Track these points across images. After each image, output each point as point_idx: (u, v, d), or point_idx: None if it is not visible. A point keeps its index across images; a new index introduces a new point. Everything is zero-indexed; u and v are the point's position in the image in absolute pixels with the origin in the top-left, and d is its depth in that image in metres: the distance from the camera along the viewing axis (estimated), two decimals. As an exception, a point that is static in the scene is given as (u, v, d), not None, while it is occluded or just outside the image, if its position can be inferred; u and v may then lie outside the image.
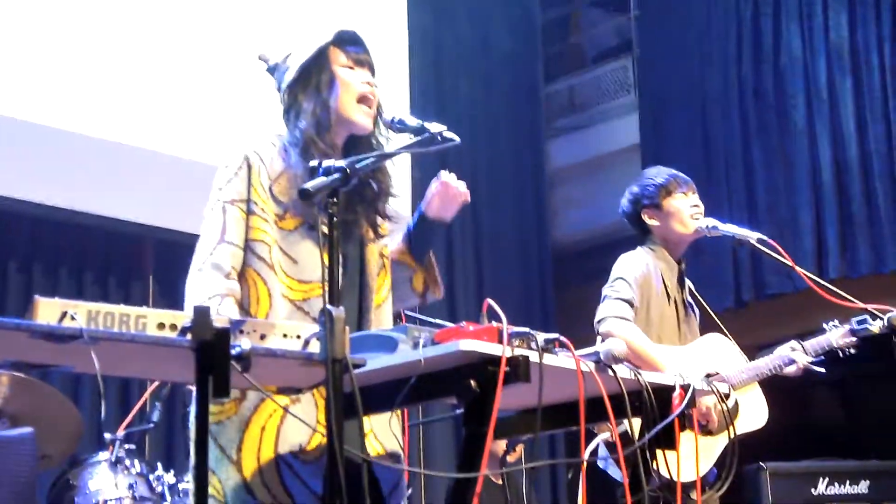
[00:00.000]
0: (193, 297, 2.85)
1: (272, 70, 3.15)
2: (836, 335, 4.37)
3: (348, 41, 3.11)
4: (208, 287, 2.86)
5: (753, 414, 4.19)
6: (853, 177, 7.54)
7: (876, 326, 4.38)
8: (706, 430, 4.00)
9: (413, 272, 3.19)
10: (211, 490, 2.79)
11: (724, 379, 4.13)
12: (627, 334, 3.96)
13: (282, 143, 3.07)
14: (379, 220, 3.12)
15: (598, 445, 4.06)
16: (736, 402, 4.15)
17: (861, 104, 7.57)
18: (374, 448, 2.94)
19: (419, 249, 3.20)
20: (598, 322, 4.13)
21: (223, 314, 2.71)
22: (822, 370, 4.36)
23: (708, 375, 4.08)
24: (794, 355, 4.28)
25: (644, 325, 4.17)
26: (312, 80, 3.06)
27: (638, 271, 4.22)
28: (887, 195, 7.36)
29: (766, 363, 4.28)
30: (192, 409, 2.32)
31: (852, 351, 4.41)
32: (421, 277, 3.17)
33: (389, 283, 3.15)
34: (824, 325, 4.43)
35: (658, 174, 4.43)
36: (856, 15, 7.68)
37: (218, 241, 2.92)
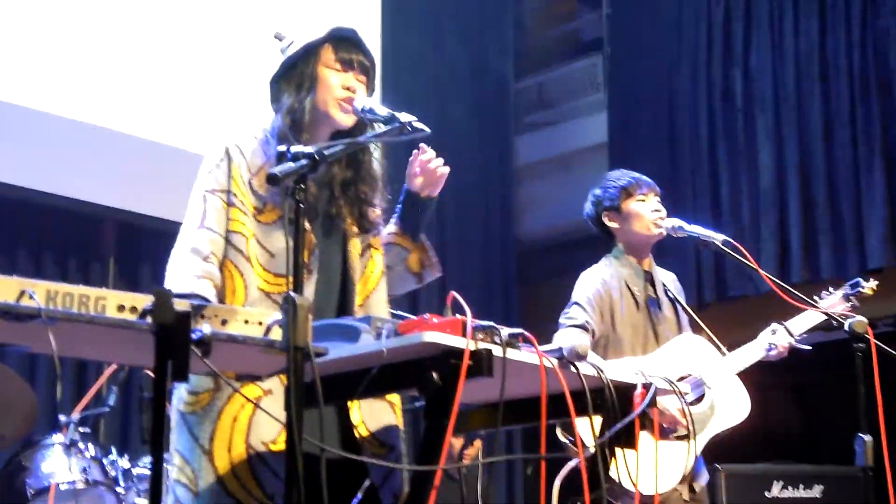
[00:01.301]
0: (171, 280, 2.87)
1: (283, 51, 3.14)
2: (829, 304, 4.37)
3: (342, 40, 3.09)
4: (186, 270, 2.87)
5: (734, 408, 4.19)
6: (818, 182, 7.57)
7: (869, 287, 4.42)
8: (681, 436, 3.98)
9: (408, 253, 3.18)
10: (185, 479, 2.83)
11: (697, 381, 4.13)
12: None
13: (265, 135, 3.07)
14: (366, 210, 3.11)
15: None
16: (712, 402, 4.15)
17: (828, 109, 7.59)
18: (362, 437, 2.96)
19: (411, 229, 3.21)
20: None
21: (198, 293, 2.72)
22: (809, 347, 4.36)
23: (681, 378, 4.09)
24: (774, 339, 4.28)
25: (613, 340, 4.17)
26: (296, 76, 3.07)
27: (592, 291, 4.21)
28: (851, 201, 7.39)
29: (748, 354, 4.27)
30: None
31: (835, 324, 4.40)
32: (416, 257, 3.17)
33: (379, 273, 3.14)
34: (816, 298, 4.43)
35: (620, 177, 4.43)
36: (826, 21, 7.70)
37: (197, 226, 2.94)
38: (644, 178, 4.43)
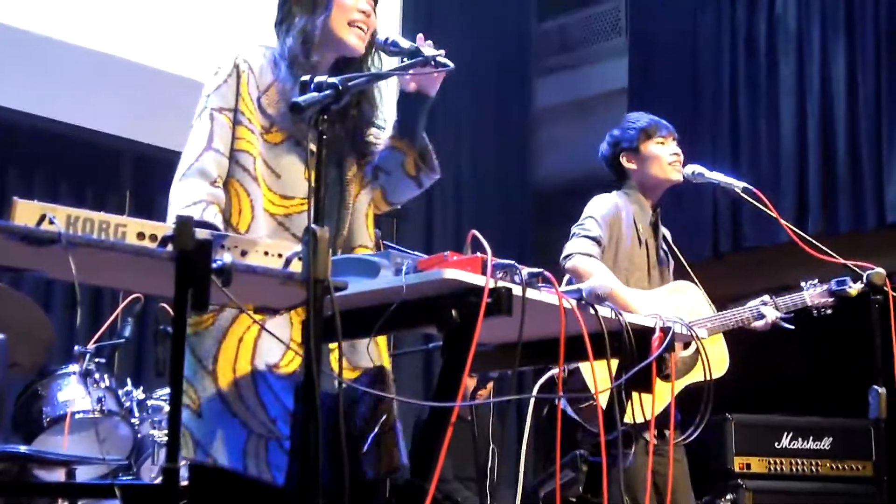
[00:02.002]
0: (177, 202, 2.82)
1: None
2: (813, 293, 4.37)
3: None
4: (192, 193, 2.83)
5: (714, 363, 4.18)
6: (839, 135, 7.50)
7: (854, 289, 4.39)
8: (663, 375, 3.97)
9: (404, 156, 3.07)
10: (187, 400, 2.79)
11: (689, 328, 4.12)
12: (593, 270, 3.95)
13: (273, 54, 3.02)
14: (364, 131, 3.08)
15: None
16: (696, 351, 4.14)
17: (853, 61, 7.51)
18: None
19: (408, 130, 3.07)
20: (565, 258, 4.13)
21: (206, 220, 2.70)
22: (792, 327, 4.36)
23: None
24: (763, 310, 4.28)
25: (612, 264, 4.16)
26: None
27: (607, 211, 4.21)
28: (871, 155, 7.33)
29: (734, 315, 4.27)
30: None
31: (828, 311, 4.41)
32: (411, 160, 3.07)
33: (366, 195, 3.10)
34: (802, 284, 4.43)
35: (639, 119, 4.41)
36: (854, -31, 7.61)
37: (204, 147, 2.89)
38: (663, 121, 4.41)
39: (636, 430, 3.15)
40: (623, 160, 4.35)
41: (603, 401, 3.12)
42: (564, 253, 4.13)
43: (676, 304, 4.16)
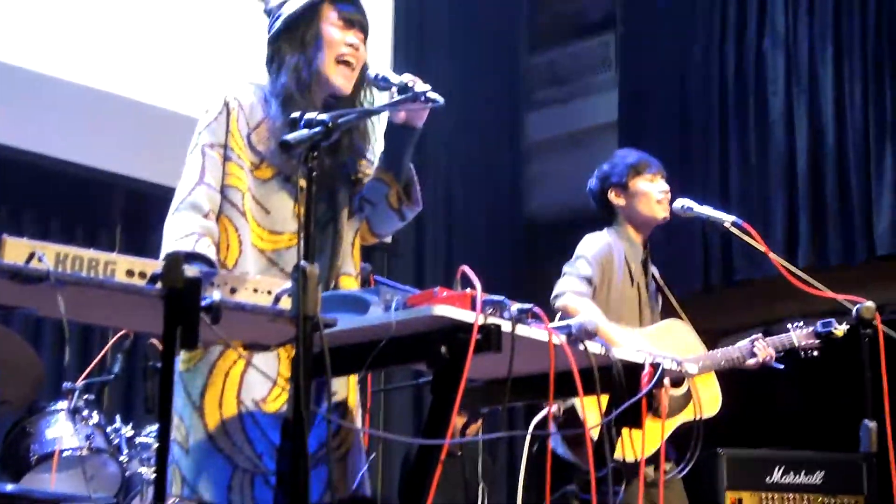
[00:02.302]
0: (170, 235, 2.85)
1: (268, 13, 3.11)
2: (800, 335, 4.38)
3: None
4: (185, 226, 2.85)
5: (706, 402, 4.18)
6: (828, 167, 7.52)
7: (840, 330, 4.41)
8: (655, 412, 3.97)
9: (388, 188, 3.07)
10: (178, 437, 2.82)
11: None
12: (582, 309, 3.96)
13: (263, 92, 3.04)
14: (357, 164, 3.10)
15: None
16: (689, 389, 4.14)
17: (841, 93, 7.55)
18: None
19: (393, 162, 3.07)
20: (555, 297, 4.13)
21: (199, 251, 2.71)
22: (781, 366, 4.36)
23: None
24: (756, 349, 4.28)
25: (604, 304, 4.16)
26: (299, 33, 3.03)
27: (599, 250, 4.21)
28: (861, 186, 7.35)
29: (726, 355, 4.27)
30: None
31: (814, 353, 4.43)
32: (395, 192, 3.06)
33: (353, 225, 3.10)
34: (788, 326, 4.45)
35: (629, 154, 4.43)
36: (841, 3, 7.65)
37: (196, 182, 2.92)
38: (653, 158, 4.42)
39: (627, 469, 3.14)
40: (611, 196, 4.35)
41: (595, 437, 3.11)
42: (555, 292, 4.14)
43: (667, 343, 4.15)
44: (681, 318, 4.35)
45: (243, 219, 2.92)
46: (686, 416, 4.10)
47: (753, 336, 4.37)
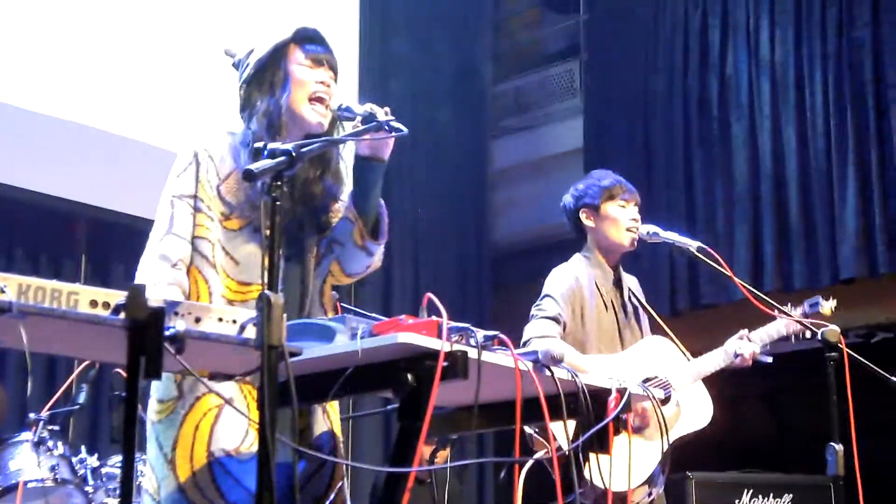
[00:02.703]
0: None
1: (237, 66, 3.11)
2: (787, 322, 4.37)
3: (308, 39, 3.07)
4: (154, 276, 2.86)
5: (697, 413, 4.19)
6: (792, 192, 7.59)
7: (828, 308, 4.43)
8: (641, 433, 3.98)
9: (353, 226, 3.06)
10: (150, 487, 2.82)
11: (663, 383, 4.13)
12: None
13: (234, 141, 3.04)
14: (328, 204, 3.09)
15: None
16: (677, 405, 4.15)
17: (803, 120, 7.62)
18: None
19: (359, 198, 3.07)
20: (523, 344, 4.11)
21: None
22: (770, 359, 4.37)
23: (647, 380, 4.09)
24: (741, 347, 4.28)
25: (580, 337, 4.15)
26: (267, 78, 3.04)
27: (565, 286, 4.19)
28: (824, 211, 7.42)
29: (712, 359, 4.27)
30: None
31: (807, 335, 4.42)
32: (359, 230, 3.05)
33: (321, 271, 3.09)
34: (776, 313, 4.44)
35: (605, 176, 4.41)
36: (801, 31, 7.74)
37: (165, 232, 2.93)
38: (629, 184, 4.41)
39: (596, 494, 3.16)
40: (582, 216, 4.35)
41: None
42: (524, 338, 4.12)
43: (648, 362, 4.15)
44: (663, 331, 4.35)
45: (213, 270, 2.92)
46: (679, 431, 4.11)
47: (739, 333, 4.37)
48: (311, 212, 3.05)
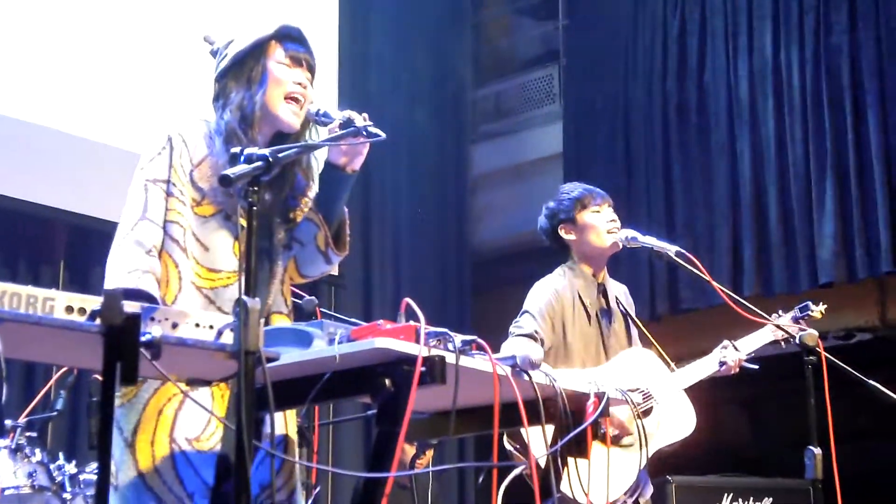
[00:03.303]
0: (113, 272, 2.83)
1: (214, 53, 3.11)
2: (774, 329, 4.39)
3: (289, 38, 3.07)
4: (128, 262, 2.83)
5: (679, 423, 4.20)
6: (771, 197, 7.62)
7: (818, 311, 4.46)
8: (620, 443, 3.98)
9: (318, 229, 3.05)
10: None
11: (645, 394, 4.14)
12: None
13: (208, 128, 3.03)
14: (297, 200, 3.08)
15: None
16: (659, 417, 4.15)
17: (782, 125, 7.65)
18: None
19: (326, 204, 3.07)
20: None
21: (142, 287, 2.68)
22: (756, 367, 4.39)
23: (629, 392, 4.09)
24: (726, 356, 4.30)
25: (563, 351, 4.16)
26: (245, 71, 3.03)
27: (544, 303, 4.19)
28: (803, 216, 7.45)
29: (698, 370, 4.28)
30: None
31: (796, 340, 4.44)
32: (323, 235, 3.05)
33: (284, 262, 3.09)
34: (766, 319, 4.46)
35: (573, 189, 4.43)
36: (779, 36, 7.77)
37: (139, 217, 2.90)
38: (597, 189, 4.43)
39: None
40: (562, 232, 4.36)
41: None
42: (506, 354, 4.11)
43: (631, 374, 4.15)
44: (647, 339, 4.36)
45: (184, 255, 2.90)
46: (661, 441, 4.12)
47: (723, 343, 4.38)
48: (280, 203, 3.05)
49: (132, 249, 2.85)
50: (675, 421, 4.18)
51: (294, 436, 3.04)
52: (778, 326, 4.23)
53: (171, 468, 2.77)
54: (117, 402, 2.80)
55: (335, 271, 3.20)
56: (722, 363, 4.30)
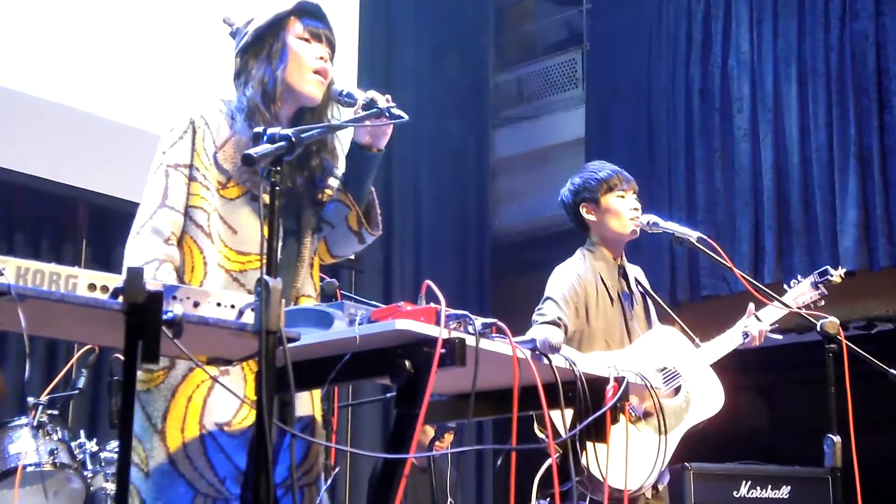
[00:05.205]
0: (131, 260, 2.82)
1: (234, 34, 3.11)
2: (797, 295, 4.37)
3: (308, 13, 3.07)
4: (146, 251, 2.83)
5: (709, 400, 4.18)
6: (793, 183, 7.59)
7: (837, 275, 4.44)
8: (649, 423, 3.96)
9: (348, 210, 3.07)
10: (136, 458, 2.77)
11: (673, 373, 4.13)
12: None
13: (229, 108, 3.02)
14: (325, 181, 3.08)
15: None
16: (687, 394, 4.14)
17: (805, 111, 7.62)
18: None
19: (354, 184, 3.08)
20: None
21: (160, 279, 2.67)
22: (781, 337, 4.37)
23: (656, 371, 4.09)
24: (748, 325, 4.28)
25: (588, 335, 4.14)
26: (265, 47, 3.03)
27: (566, 288, 4.17)
28: (825, 203, 7.42)
29: (723, 344, 4.26)
30: None
31: (821, 304, 4.42)
32: (355, 214, 3.06)
33: (313, 245, 3.10)
34: (785, 286, 4.45)
35: (601, 168, 4.39)
36: (804, 23, 7.73)
37: (159, 205, 2.89)
38: (625, 172, 4.39)
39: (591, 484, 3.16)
40: (583, 210, 4.33)
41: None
42: (526, 338, 4.09)
43: (657, 353, 4.14)
44: (671, 319, 4.34)
45: (208, 240, 2.89)
46: (692, 419, 4.11)
47: (746, 313, 4.36)
48: (309, 185, 3.05)
49: (149, 238, 2.85)
50: (705, 398, 4.17)
51: (320, 418, 3.05)
52: (801, 314, 4.19)
53: (203, 454, 2.77)
54: (142, 386, 2.82)
55: (352, 256, 3.21)
56: (746, 334, 4.27)
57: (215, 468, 2.78)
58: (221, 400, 2.79)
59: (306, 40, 3.03)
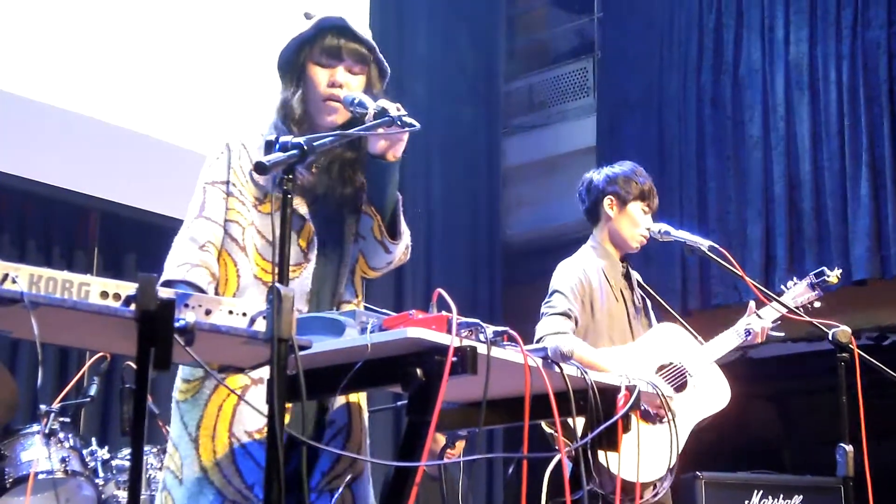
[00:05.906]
0: (167, 267, 2.90)
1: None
2: (795, 294, 4.38)
3: (331, 31, 3.07)
4: (181, 257, 2.90)
5: (714, 395, 4.20)
6: (805, 192, 7.58)
7: (834, 276, 4.45)
8: (662, 422, 3.96)
9: (373, 221, 3.07)
10: (172, 465, 2.86)
11: (679, 369, 4.14)
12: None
13: (270, 128, 3.08)
14: (364, 188, 3.10)
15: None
16: (694, 390, 4.15)
17: (817, 120, 7.61)
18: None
19: (376, 195, 3.08)
20: (537, 341, 4.11)
21: (189, 279, 2.76)
22: (782, 334, 4.38)
23: (662, 367, 4.10)
24: (751, 325, 4.28)
25: (593, 330, 4.15)
26: (289, 71, 3.09)
27: (573, 280, 4.19)
28: (837, 212, 7.41)
29: (727, 340, 4.27)
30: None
31: (816, 305, 4.43)
32: (377, 225, 3.07)
33: (355, 251, 3.12)
34: (783, 286, 4.45)
35: (643, 177, 4.42)
36: (816, 31, 7.72)
37: (196, 216, 2.98)
38: (655, 192, 4.43)
39: (605, 492, 3.15)
40: (606, 202, 4.35)
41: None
42: (536, 336, 4.12)
43: (663, 349, 4.16)
44: (673, 319, 4.36)
45: (242, 253, 2.95)
46: (699, 414, 4.11)
47: (747, 311, 4.37)
48: (353, 194, 3.07)
49: (186, 245, 2.93)
50: (710, 393, 4.18)
51: (360, 429, 3.09)
52: (812, 323, 4.19)
53: (231, 462, 2.82)
54: (181, 397, 2.90)
55: (405, 258, 3.22)
56: (748, 332, 4.29)
57: (243, 475, 2.81)
58: (251, 409, 2.82)
59: (322, 65, 3.05)
